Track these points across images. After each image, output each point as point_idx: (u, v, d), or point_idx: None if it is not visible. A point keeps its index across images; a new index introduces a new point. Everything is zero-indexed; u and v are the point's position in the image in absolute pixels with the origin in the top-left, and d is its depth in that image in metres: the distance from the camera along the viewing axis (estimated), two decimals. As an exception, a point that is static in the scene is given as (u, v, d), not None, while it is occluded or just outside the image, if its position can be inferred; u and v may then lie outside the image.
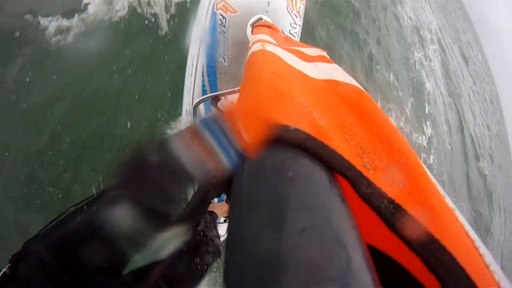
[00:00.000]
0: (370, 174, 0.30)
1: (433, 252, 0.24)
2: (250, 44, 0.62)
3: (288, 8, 1.19)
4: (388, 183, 0.29)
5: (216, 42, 1.13)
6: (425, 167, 0.33)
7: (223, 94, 1.00)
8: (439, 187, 0.32)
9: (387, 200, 0.26)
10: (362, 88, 0.46)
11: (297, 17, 1.23)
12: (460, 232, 0.27)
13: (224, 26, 1.13)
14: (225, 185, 0.30)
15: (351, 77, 0.50)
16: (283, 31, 1.21)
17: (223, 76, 1.19)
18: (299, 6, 1.23)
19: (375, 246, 0.29)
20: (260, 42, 0.57)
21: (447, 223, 0.27)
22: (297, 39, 1.25)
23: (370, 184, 0.27)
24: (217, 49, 1.15)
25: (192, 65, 1.17)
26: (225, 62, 1.18)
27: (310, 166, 0.25)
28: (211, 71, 1.18)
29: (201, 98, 1.06)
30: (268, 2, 1.14)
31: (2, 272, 0.50)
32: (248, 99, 0.37)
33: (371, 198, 0.26)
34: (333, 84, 0.48)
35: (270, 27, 0.88)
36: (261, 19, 1.11)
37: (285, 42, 0.71)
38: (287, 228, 0.19)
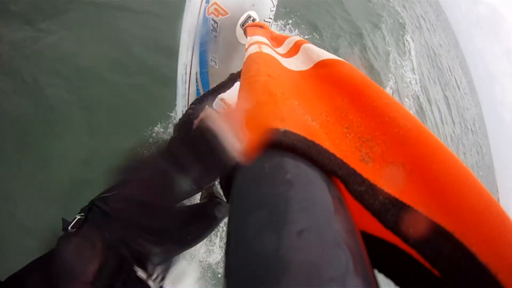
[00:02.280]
0: (368, 167, 0.30)
1: (434, 244, 0.23)
2: (246, 46, 0.62)
3: None
4: (388, 172, 0.29)
5: (208, 48, 1.16)
6: (424, 127, 0.32)
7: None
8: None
9: (382, 195, 0.26)
10: (341, 59, 0.48)
11: None
12: (476, 191, 0.25)
13: (216, 31, 1.13)
14: (225, 187, 0.31)
15: (324, 50, 0.53)
16: (264, 19, 1.24)
17: (215, 78, 1.22)
18: None
19: (381, 237, 0.29)
20: (257, 44, 0.57)
21: (456, 188, 0.26)
22: (273, 19, 1.29)
23: (363, 181, 0.27)
24: (208, 54, 1.18)
25: (186, 73, 1.19)
26: (216, 65, 1.21)
27: (307, 168, 0.26)
28: (204, 77, 1.22)
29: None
30: (255, -5, 1.12)
31: (77, 219, 0.72)
32: (245, 102, 0.38)
33: (364, 196, 0.26)
34: (321, 66, 0.50)
35: (262, 27, 0.88)
36: (249, 16, 1.11)
37: (273, 43, 0.72)
38: (286, 230, 0.19)
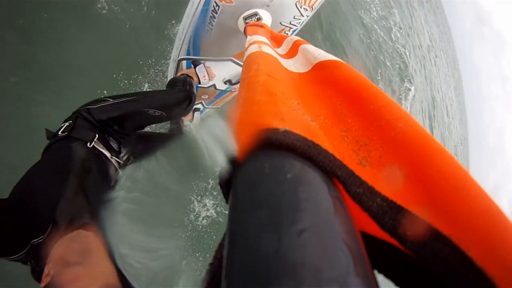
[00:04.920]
0: (366, 171, 0.30)
1: (431, 248, 0.23)
2: (246, 45, 0.62)
3: (297, 4, 1.24)
4: (385, 175, 0.29)
5: (205, 24, 1.35)
6: (421, 129, 0.32)
7: (201, 60, 1.45)
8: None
9: (380, 198, 0.26)
10: (338, 59, 0.49)
11: (307, 10, 1.29)
12: (473, 194, 0.25)
13: (216, 13, 1.24)
14: (224, 188, 0.31)
15: (321, 50, 0.54)
16: (281, 22, 1.29)
17: (205, 49, 1.51)
18: (316, 1, 1.25)
19: (378, 237, 0.28)
20: (257, 43, 0.58)
21: (453, 192, 0.26)
22: (299, 27, 1.38)
23: (362, 183, 0.27)
24: (204, 29, 1.39)
25: (183, 32, 1.45)
26: (209, 40, 1.43)
27: (308, 168, 0.26)
28: (196, 43, 1.50)
29: (183, 57, 1.51)
30: (273, -4, 1.18)
31: (66, 125, 0.84)
32: (244, 103, 0.38)
33: (362, 197, 0.26)
34: (319, 69, 0.50)
35: (262, 27, 0.89)
36: (256, 14, 1.12)
37: (273, 43, 0.72)
38: (286, 230, 0.19)
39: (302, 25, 1.40)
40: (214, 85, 1.62)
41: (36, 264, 0.61)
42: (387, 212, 0.26)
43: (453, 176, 0.27)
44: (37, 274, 0.60)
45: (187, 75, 1.47)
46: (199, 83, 1.48)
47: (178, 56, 1.55)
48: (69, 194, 0.65)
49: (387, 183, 0.29)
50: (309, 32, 3.78)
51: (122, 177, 0.95)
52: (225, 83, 1.71)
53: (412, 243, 0.24)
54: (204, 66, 1.47)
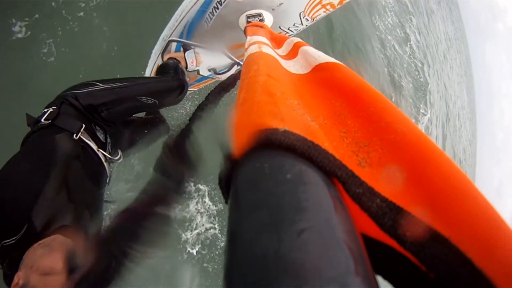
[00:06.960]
0: (365, 172, 0.30)
1: (430, 249, 0.23)
2: (246, 46, 0.63)
3: (301, 14, 1.26)
4: (384, 176, 0.29)
5: (205, 13, 1.35)
6: (420, 132, 0.32)
7: (192, 45, 1.46)
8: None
9: (379, 199, 0.26)
10: (338, 62, 0.49)
11: (308, 20, 1.32)
12: (472, 196, 0.25)
13: (220, 4, 1.24)
14: (224, 188, 0.31)
15: (321, 53, 0.54)
16: (280, 26, 1.31)
17: (199, 36, 1.51)
18: (319, 15, 1.27)
19: (378, 239, 0.28)
20: (257, 44, 0.58)
21: (452, 194, 0.26)
22: (295, 33, 1.40)
23: (361, 183, 0.27)
24: (202, 17, 1.38)
25: (180, 15, 1.44)
26: (205, 28, 1.43)
27: (307, 168, 0.26)
28: (191, 29, 1.49)
29: (175, 39, 1.49)
30: (280, 3, 1.18)
31: (50, 111, 0.76)
32: (244, 103, 0.38)
33: (362, 198, 0.26)
34: (319, 70, 0.50)
35: (262, 27, 0.89)
36: (259, 14, 1.13)
37: (273, 44, 0.72)
38: (286, 230, 0.19)
39: (298, 32, 1.43)
40: (197, 70, 1.60)
41: (8, 268, 0.55)
42: (387, 213, 0.26)
43: (453, 179, 0.27)
44: (9, 279, 0.54)
45: (175, 59, 1.42)
46: (186, 68, 1.45)
47: (170, 36, 1.52)
48: (49, 192, 0.58)
49: (387, 184, 0.29)
50: (319, 43, 3.70)
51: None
52: (209, 70, 1.69)
53: (412, 244, 0.24)
54: (194, 51, 1.46)
